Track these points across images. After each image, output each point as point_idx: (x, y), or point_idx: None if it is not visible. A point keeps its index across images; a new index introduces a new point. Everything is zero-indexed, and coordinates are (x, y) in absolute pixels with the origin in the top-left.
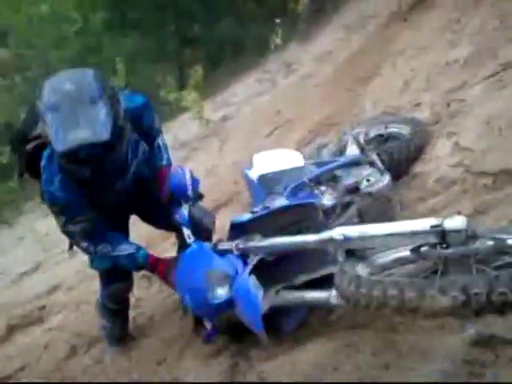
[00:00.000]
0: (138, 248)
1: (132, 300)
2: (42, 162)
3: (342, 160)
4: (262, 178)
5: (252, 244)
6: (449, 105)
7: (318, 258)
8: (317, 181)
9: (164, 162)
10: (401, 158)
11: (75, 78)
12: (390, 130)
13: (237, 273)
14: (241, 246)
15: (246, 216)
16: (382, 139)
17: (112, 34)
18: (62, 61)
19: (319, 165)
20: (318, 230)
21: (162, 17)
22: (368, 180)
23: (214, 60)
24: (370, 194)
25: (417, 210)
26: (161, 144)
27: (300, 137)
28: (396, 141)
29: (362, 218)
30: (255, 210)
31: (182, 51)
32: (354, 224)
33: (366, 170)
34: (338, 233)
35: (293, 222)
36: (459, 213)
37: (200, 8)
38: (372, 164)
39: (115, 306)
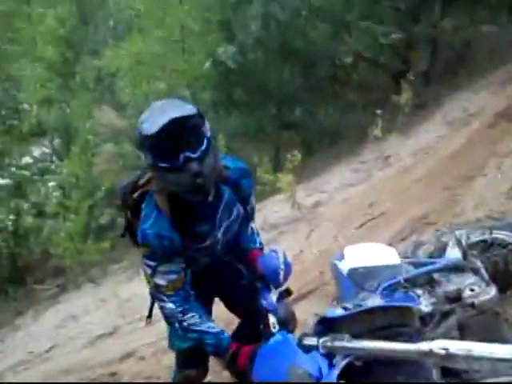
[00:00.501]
0: (223, 330)
1: None
2: (143, 204)
3: (442, 262)
4: (353, 271)
5: (341, 344)
6: None
7: (413, 371)
8: (413, 282)
9: (257, 245)
10: (507, 268)
11: (177, 106)
12: (494, 236)
13: (320, 373)
14: (328, 344)
15: (338, 311)
16: (486, 245)
17: (217, 112)
18: None
19: (416, 265)
20: (412, 338)
21: (265, 99)
22: (472, 289)
23: (310, 145)
24: (473, 305)
25: None
26: (254, 228)
27: (393, 232)
28: (501, 249)
29: (463, 332)
30: (346, 305)
31: (280, 134)
32: (453, 338)
33: (469, 278)
34: (438, 346)
35: (386, 324)
36: None
37: (302, 93)
38: (476, 272)
39: None
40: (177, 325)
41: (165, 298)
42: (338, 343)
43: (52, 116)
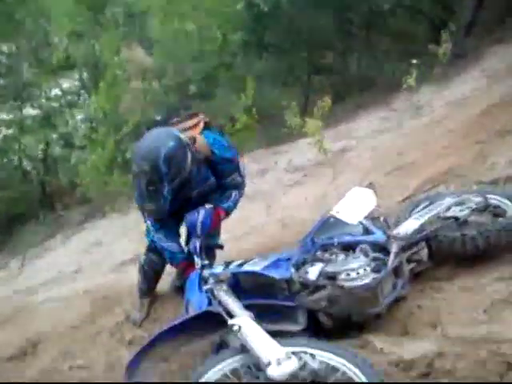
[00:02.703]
0: (182, 251)
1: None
2: None
3: (368, 239)
4: (327, 218)
5: (216, 291)
6: None
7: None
8: (345, 247)
9: (223, 205)
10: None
11: (152, 157)
12: (491, 202)
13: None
14: (208, 287)
15: (218, 269)
16: (458, 223)
17: (247, 53)
18: (197, 73)
19: (364, 230)
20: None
21: (297, 43)
22: (348, 274)
23: (341, 91)
24: (342, 287)
25: None
26: (233, 196)
27: (418, 183)
28: (473, 229)
29: (332, 305)
30: (231, 266)
31: (310, 78)
32: (321, 308)
33: (358, 262)
34: (236, 322)
35: (254, 286)
36: None
37: (336, 39)
38: (384, 251)
39: (149, 271)
40: (151, 234)
41: (147, 218)
42: (216, 290)
43: (81, 50)
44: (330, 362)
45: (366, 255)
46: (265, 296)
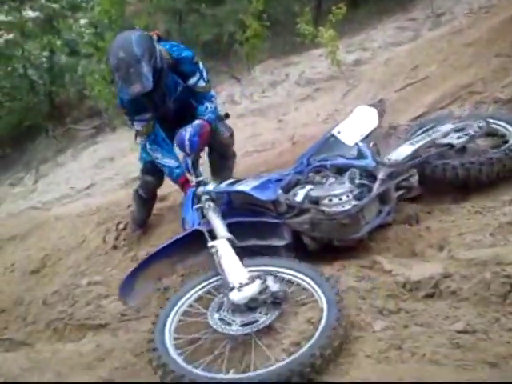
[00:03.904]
0: (179, 166)
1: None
2: None
3: (357, 163)
4: (329, 137)
5: (205, 208)
6: None
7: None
8: (338, 170)
9: (205, 118)
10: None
11: (125, 45)
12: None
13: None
14: (198, 206)
15: (209, 187)
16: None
17: None
18: None
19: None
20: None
21: None
22: (330, 199)
23: None
24: (323, 211)
25: None
26: (209, 107)
27: (434, 99)
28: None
29: (314, 228)
30: (222, 185)
31: None
32: (305, 231)
33: (341, 189)
34: (216, 243)
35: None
36: None
37: None
38: (372, 177)
39: (145, 195)
40: (145, 156)
41: (143, 139)
42: (205, 209)
43: None
44: (295, 279)
45: (353, 181)
46: (253, 214)
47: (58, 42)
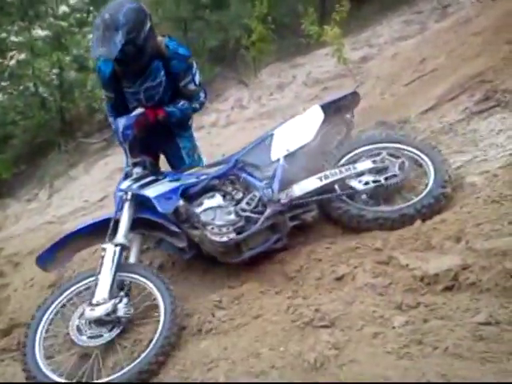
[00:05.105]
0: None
1: None
2: None
3: (257, 186)
4: (263, 139)
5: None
6: None
7: None
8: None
9: (166, 108)
10: None
11: (114, 10)
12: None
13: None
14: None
15: (127, 183)
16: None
17: None
18: None
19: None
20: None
21: None
22: (213, 228)
23: None
24: (206, 236)
25: None
26: (181, 103)
27: (443, 91)
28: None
29: (202, 244)
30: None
31: None
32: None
33: (230, 219)
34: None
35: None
36: None
37: None
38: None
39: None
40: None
41: (106, 105)
42: (123, 201)
43: None
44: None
45: (239, 213)
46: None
47: (67, 59)
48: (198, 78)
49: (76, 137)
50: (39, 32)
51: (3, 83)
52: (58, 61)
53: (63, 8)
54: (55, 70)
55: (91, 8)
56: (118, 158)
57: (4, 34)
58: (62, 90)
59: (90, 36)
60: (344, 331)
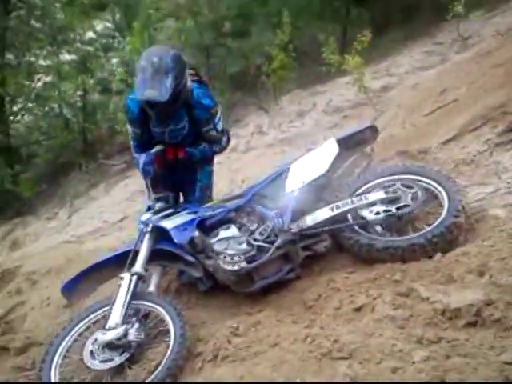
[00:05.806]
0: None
1: None
2: None
3: (270, 217)
4: (280, 173)
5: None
6: None
7: None
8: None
9: (187, 148)
10: None
11: (162, 55)
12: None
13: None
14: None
15: (147, 215)
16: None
17: None
18: (230, 8)
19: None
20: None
21: None
22: (225, 257)
23: (381, 24)
24: (219, 265)
25: None
26: (201, 146)
27: (464, 121)
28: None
29: (216, 273)
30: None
31: (349, 11)
32: (212, 271)
33: (242, 248)
34: (134, 270)
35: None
36: None
37: None
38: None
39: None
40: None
41: (132, 140)
42: (143, 233)
43: None
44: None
45: (251, 242)
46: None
47: (91, 82)
48: (220, 125)
49: (97, 158)
50: (66, 56)
51: (29, 104)
52: (83, 83)
53: (90, 34)
54: (79, 92)
55: (116, 34)
56: (138, 180)
57: (33, 58)
58: (85, 112)
59: (115, 60)
60: (362, 364)
